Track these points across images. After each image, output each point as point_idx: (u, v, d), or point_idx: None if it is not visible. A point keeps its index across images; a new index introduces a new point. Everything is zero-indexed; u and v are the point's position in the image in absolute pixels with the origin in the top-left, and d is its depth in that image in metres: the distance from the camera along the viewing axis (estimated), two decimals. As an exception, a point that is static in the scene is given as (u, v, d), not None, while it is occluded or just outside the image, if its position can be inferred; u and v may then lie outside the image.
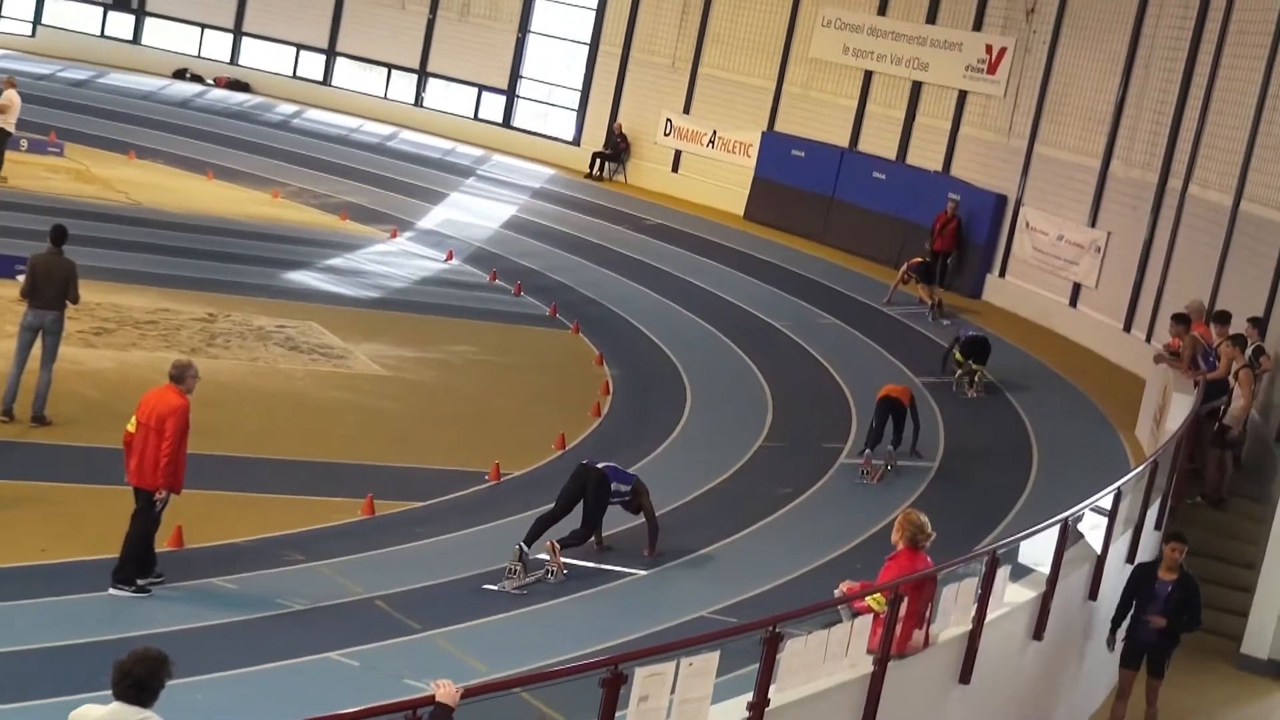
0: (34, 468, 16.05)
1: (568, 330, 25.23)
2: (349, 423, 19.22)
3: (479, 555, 15.24)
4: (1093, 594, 14.19)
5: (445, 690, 7.47)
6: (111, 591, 13.25)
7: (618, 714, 8.05)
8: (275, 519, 15.63)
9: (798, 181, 34.41)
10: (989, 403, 23.18)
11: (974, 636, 11.43)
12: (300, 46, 42.95)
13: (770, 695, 9.13)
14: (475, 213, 33.28)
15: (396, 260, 28.50)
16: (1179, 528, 14.73)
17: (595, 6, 39.17)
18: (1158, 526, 16.17)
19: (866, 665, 10.13)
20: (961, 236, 30.47)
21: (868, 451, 19.33)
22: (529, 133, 40.40)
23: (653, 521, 15.93)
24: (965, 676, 11.46)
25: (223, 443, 17.04)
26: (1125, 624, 13.92)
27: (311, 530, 15.54)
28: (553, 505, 15.47)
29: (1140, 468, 15.99)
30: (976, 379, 23.32)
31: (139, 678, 7.13)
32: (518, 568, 14.68)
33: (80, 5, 43.73)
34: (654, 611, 14.49)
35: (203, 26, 43.54)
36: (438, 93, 41.71)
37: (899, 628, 10.33)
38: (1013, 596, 12.37)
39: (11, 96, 28.22)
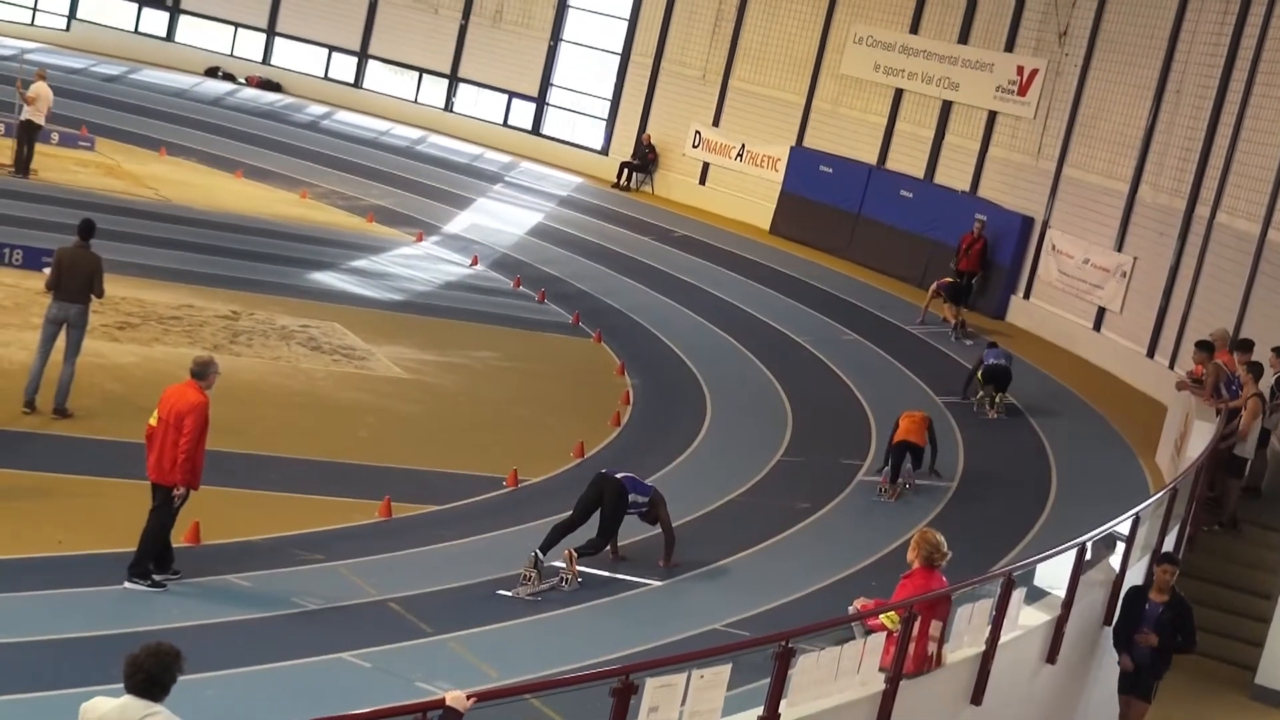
0: (53, 460, 16.06)
1: (590, 339, 25.21)
2: (368, 424, 19.22)
3: (494, 561, 15.21)
4: (1108, 619, 14.14)
5: (455, 695, 7.47)
6: (126, 585, 13.27)
7: (627, 724, 8.05)
8: (292, 518, 15.63)
9: (825, 197, 34.37)
10: (1009, 425, 23.09)
11: (987, 658, 11.40)
12: (332, 48, 43.04)
13: (781, 710, 9.12)
14: (501, 219, 33.30)
15: (421, 264, 28.53)
16: (1194, 557, 14.70)
17: (628, 16, 39.18)
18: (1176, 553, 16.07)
19: (878, 683, 10.11)
20: (987, 257, 30.40)
21: (887, 470, 19.26)
22: (558, 141, 40.42)
23: (669, 532, 15.88)
24: (977, 698, 11.42)
25: (242, 440, 17.07)
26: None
27: (328, 530, 15.54)
28: (570, 513, 15.43)
29: (1159, 494, 15.92)
30: (998, 400, 23.25)
31: (151, 672, 7.13)
32: (532, 574, 14.65)
33: (115, 1, 43.91)
34: (667, 622, 14.44)
35: (236, 25, 43.68)
36: (468, 98, 41.78)
37: (912, 646, 10.30)
38: (1027, 619, 12.35)
39: (40, 89, 28.33)
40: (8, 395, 17.30)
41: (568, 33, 40.56)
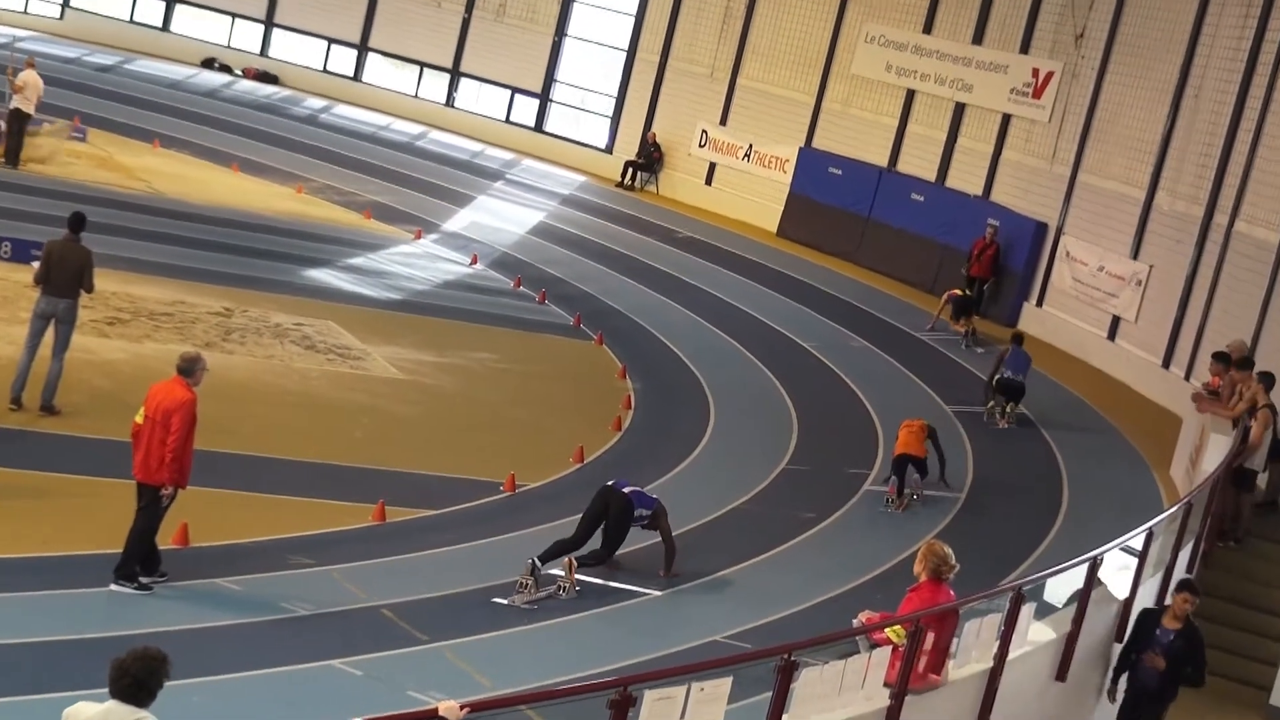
0: (40, 458, 15.92)
1: (591, 341, 24.97)
2: (363, 425, 19.03)
3: (490, 567, 15.08)
4: (1119, 636, 13.95)
5: (448, 705, 7.36)
6: (113, 588, 13.18)
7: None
8: (283, 521, 15.50)
9: (834, 200, 34.08)
10: (1020, 435, 22.87)
11: (995, 674, 11.30)
12: (332, 40, 42.83)
13: (783, 725, 9.00)
14: (502, 217, 33.07)
15: (420, 262, 28.27)
16: (1209, 574, 14.36)
17: (634, 13, 38.91)
18: (1189, 570, 15.80)
19: (883, 699, 10.02)
20: (999, 263, 30.13)
21: (894, 479, 18.96)
22: (561, 138, 40.19)
23: (670, 542, 15.77)
24: (984, 714, 11.30)
25: (233, 440, 16.97)
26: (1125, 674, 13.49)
27: (320, 534, 15.43)
28: (574, 532, 15.26)
29: (1173, 508, 15.83)
30: (1009, 410, 22.99)
31: (137, 676, 7.17)
32: (529, 582, 14.53)
33: (110, -11, 43.78)
34: (667, 633, 14.34)
35: (233, 16, 43.45)
36: (470, 93, 41.52)
37: (919, 661, 10.08)
38: (1036, 635, 12.25)
39: (29, 77, 27.92)
40: (-7, 391, 17.11)
41: (573, 28, 40.33)
